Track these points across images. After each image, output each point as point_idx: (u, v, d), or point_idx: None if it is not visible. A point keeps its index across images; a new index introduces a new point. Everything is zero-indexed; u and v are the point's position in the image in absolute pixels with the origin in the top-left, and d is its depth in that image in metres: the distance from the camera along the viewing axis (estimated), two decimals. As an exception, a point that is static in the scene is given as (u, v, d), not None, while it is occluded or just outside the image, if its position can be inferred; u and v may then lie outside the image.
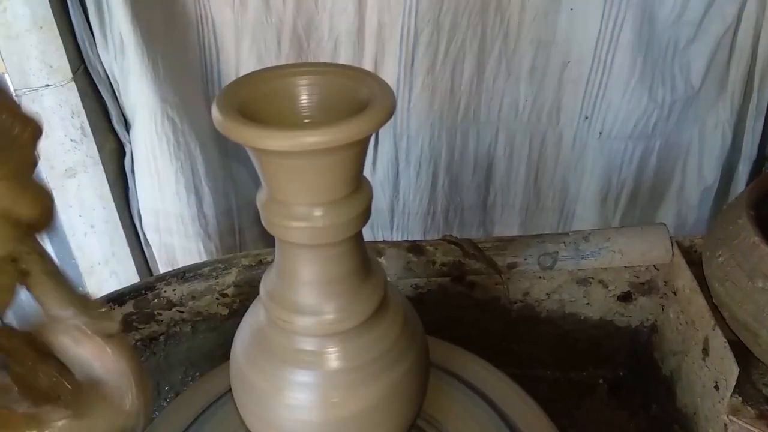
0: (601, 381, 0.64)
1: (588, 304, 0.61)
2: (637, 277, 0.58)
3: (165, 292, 0.56)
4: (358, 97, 0.30)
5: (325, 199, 0.29)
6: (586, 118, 0.76)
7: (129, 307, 0.56)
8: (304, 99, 0.31)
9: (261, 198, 0.31)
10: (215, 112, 0.28)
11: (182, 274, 0.57)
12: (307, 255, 0.32)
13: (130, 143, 0.80)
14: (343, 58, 0.73)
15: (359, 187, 0.31)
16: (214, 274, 0.58)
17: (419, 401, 0.38)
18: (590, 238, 0.58)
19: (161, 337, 0.58)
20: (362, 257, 0.33)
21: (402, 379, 0.35)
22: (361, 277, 0.33)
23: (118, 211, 0.85)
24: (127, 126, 0.80)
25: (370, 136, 0.28)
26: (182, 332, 0.59)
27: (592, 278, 0.59)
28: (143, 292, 0.56)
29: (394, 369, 0.34)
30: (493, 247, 0.58)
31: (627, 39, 0.69)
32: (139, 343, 0.57)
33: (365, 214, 0.31)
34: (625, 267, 0.57)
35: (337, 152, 0.28)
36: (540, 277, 0.59)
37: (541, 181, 0.82)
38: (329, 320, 0.32)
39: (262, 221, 0.31)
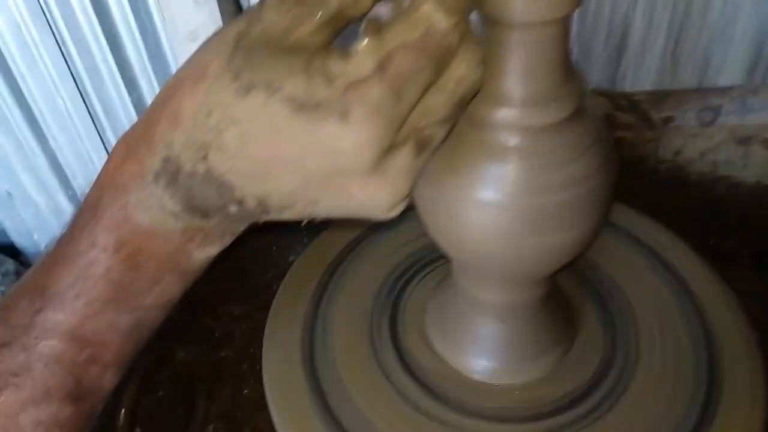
0: (746, 251, 0.61)
1: (744, 166, 0.57)
2: (808, 137, 0.54)
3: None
4: None
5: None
6: (743, -25, 0.69)
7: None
8: None
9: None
10: None
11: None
12: (514, 37, 0.30)
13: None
14: None
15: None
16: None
17: (601, 222, 0.36)
18: (760, 91, 0.53)
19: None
20: (566, 51, 0.32)
21: (594, 187, 0.33)
22: (564, 71, 0.32)
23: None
24: (247, -12, 0.78)
25: None
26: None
27: (755, 136, 0.55)
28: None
29: (590, 173, 0.33)
30: (647, 100, 0.55)
31: None
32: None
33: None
34: (796, 124, 0.53)
35: None
36: (696, 135, 0.55)
37: (680, 52, 0.76)
38: (531, 112, 0.31)
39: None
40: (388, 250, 0.50)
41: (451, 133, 0.33)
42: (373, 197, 0.27)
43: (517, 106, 0.31)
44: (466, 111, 0.32)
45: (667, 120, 0.54)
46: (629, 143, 0.56)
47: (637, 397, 0.41)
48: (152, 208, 0.29)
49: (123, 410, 0.48)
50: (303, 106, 0.25)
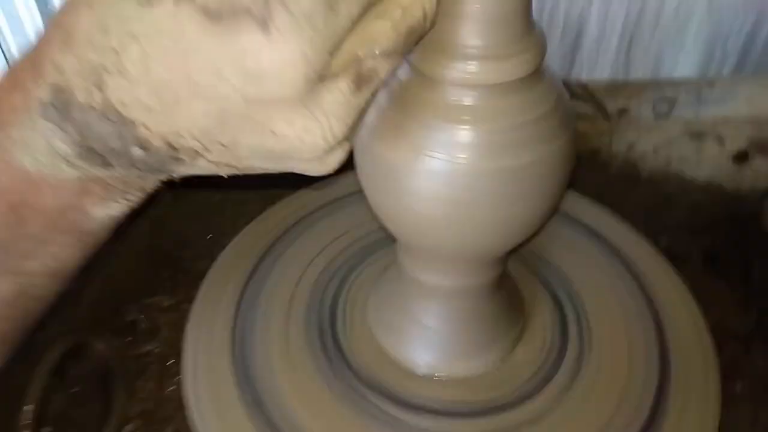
0: (697, 249, 0.60)
1: (697, 162, 0.56)
2: (760, 133, 0.53)
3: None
4: None
5: None
6: (696, -20, 0.69)
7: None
8: None
9: None
10: None
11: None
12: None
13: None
14: None
15: None
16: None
17: (557, 197, 0.34)
18: (716, 83, 0.53)
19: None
20: (528, 3, 0.29)
21: (551, 156, 0.31)
22: (525, 24, 0.29)
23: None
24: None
25: None
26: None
27: (708, 131, 0.54)
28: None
29: (547, 140, 0.31)
30: (603, 90, 0.54)
31: None
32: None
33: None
34: (750, 120, 0.53)
35: None
36: (650, 128, 0.54)
37: (634, 54, 0.76)
38: (488, 68, 0.29)
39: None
40: (329, 235, 0.46)
41: (399, 92, 0.30)
42: (302, 137, 0.24)
43: (472, 59, 0.29)
44: (415, 66, 0.29)
45: (623, 111, 0.53)
46: (582, 136, 0.55)
47: (586, 393, 0.39)
48: (39, 150, 0.25)
49: (30, 407, 0.43)
50: (217, 15, 0.22)
